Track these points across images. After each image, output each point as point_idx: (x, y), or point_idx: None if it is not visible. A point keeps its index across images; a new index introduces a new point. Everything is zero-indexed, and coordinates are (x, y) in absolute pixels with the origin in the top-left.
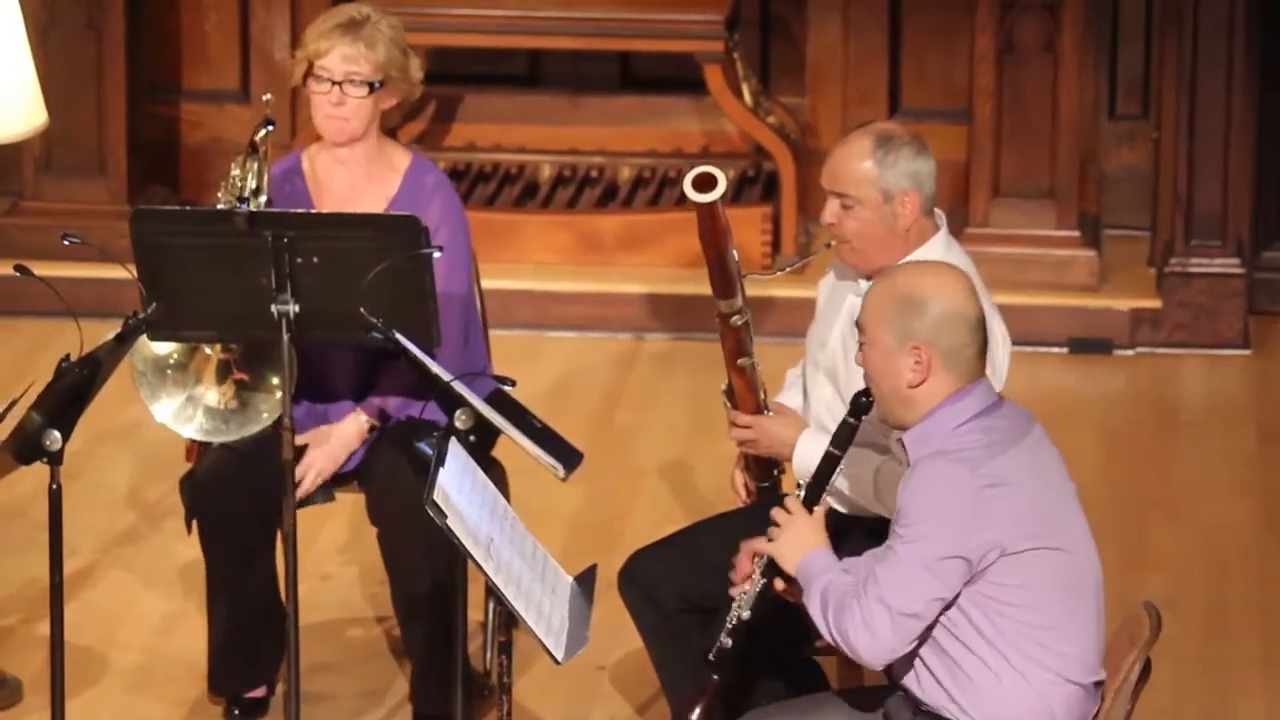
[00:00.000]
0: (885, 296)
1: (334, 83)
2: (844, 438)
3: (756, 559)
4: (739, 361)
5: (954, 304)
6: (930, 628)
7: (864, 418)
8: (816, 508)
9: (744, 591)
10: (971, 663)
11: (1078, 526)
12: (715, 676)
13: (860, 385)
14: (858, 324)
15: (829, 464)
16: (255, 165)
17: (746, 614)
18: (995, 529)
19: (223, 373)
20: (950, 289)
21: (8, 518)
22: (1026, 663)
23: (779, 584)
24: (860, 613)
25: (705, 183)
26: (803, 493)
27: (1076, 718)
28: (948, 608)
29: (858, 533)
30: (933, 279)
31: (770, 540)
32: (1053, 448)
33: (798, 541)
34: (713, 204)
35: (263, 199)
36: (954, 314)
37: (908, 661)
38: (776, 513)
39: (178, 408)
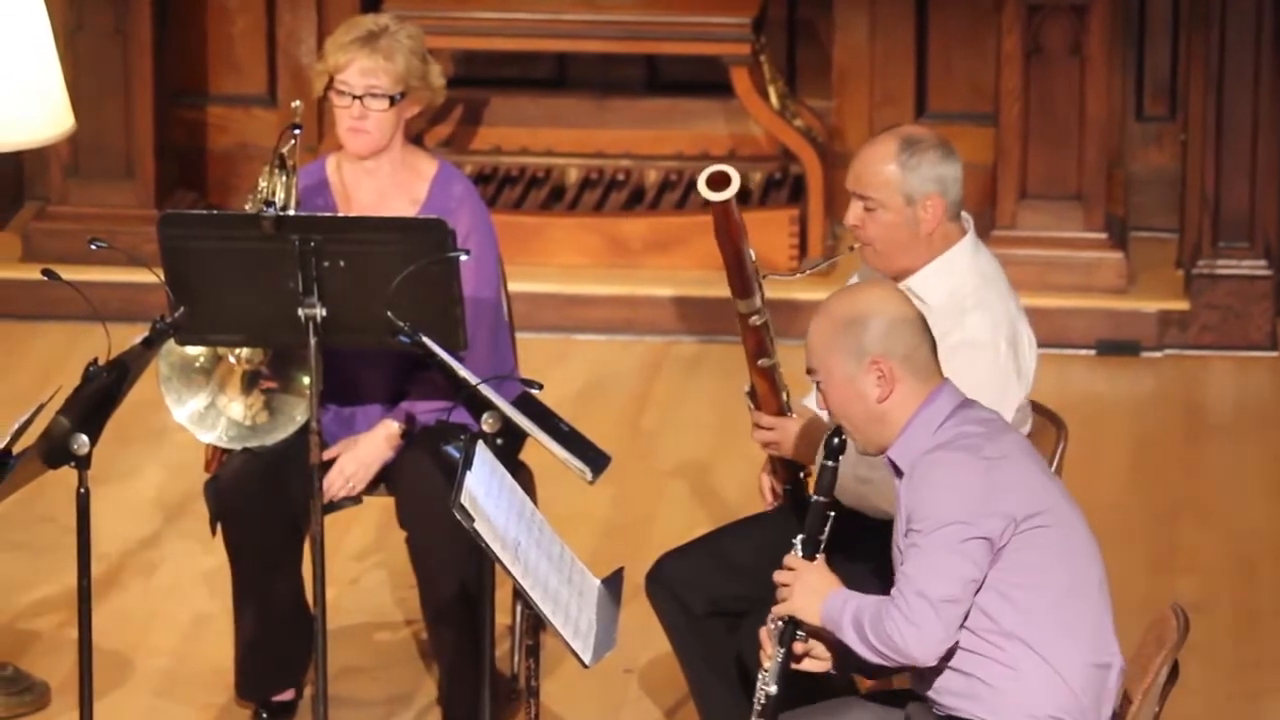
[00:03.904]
0: (825, 329)
1: (355, 97)
2: (827, 483)
3: (772, 629)
4: (760, 362)
5: (893, 311)
6: None
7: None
8: (819, 557)
9: (765, 669)
10: (990, 655)
11: (1071, 505)
12: None
13: None
14: (808, 369)
15: (820, 513)
16: (284, 179)
17: (773, 689)
18: (1007, 502)
19: (249, 384)
20: (883, 299)
21: (36, 522)
22: (1044, 644)
23: (799, 647)
24: (900, 612)
25: (719, 181)
26: (800, 549)
27: (1094, 698)
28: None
29: (868, 538)
30: (863, 296)
31: (783, 601)
32: (1023, 437)
33: (812, 591)
34: (727, 202)
35: (281, 211)
36: (897, 319)
37: (928, 670)
38: (779, 575)
39: (199, 413)
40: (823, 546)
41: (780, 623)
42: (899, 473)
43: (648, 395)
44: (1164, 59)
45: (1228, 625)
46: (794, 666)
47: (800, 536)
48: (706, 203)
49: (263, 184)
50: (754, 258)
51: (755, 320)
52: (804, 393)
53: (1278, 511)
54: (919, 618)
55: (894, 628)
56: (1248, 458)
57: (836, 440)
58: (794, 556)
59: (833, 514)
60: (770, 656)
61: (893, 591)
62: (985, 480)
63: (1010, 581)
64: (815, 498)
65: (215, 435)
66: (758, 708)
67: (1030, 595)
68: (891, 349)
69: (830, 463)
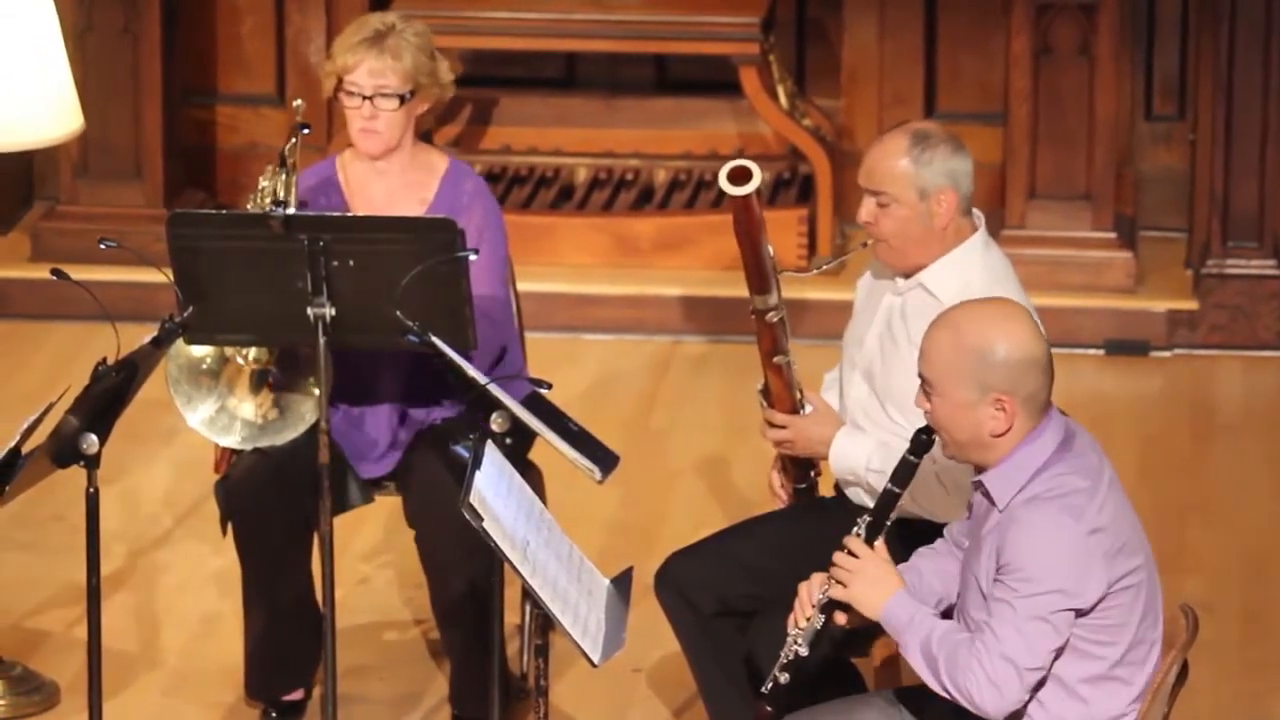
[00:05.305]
0: (953, 349)
1: (364, 97)
2: (904, 475)
3: (818, 598)
4: (775, 359)
5: (1027, 349)
6: None
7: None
8: (878, 542)
9: (801, 629)
10: (1046, 702)
11: (1147, 549)
12: (769, 708)
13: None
14: (921, 374)
15: (888, 501)
16: (284, 177)
17: (805, 651)
18: (1099, 574)
19: (257, 384)
20: (1019, 333)
21: (45, 521)
22: (1099, 700)
23: (839, 618)
24: (984, 671)
25: (740, 176)
26: (863, 531)
27: None
28: None
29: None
30: (999, 325)
31: (842, 585)
32: (1111, 466)
33: (875, 584)
34: (748, 197)
35: (291, 211)
36: (1029, 359)
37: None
38: (840, 557)
39: (211, 416)
40: (881, 534)
41: (825, 593)
42: (992, 502)
43: (656, 395)
44: (1173, 59)
45: (1235, 625)
46: (833, 625)
47: (865, 519)
48: (717, 201)
49: (264, 183)
50: (773, 254)
51: (772, 317)
52: (815, 389)
53: None
54: (1002, 681)
55: (974, 684)
56: (1256, 457)
57: (926, 438)
58: (856, 539)
59: (899, 502)
60: (808, 618)
61: (977, 644)
62: (1082, 553)
63: (1086, 639)
64: (889, 487)
65: (230, 438)
66: (783, 660)
67: (1102, 649)
68: (1017, 388)
69: (913, 458)
